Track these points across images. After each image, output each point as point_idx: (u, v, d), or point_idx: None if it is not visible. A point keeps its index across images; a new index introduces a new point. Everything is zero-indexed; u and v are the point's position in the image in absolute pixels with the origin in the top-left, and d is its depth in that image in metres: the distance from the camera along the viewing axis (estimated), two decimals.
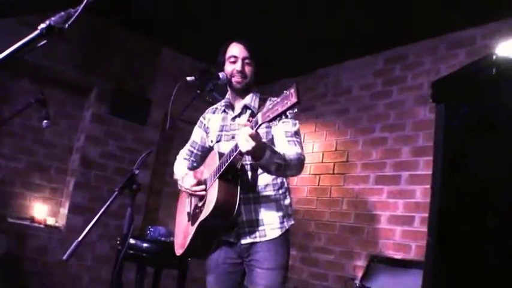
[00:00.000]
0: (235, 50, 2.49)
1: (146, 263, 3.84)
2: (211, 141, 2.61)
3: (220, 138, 2.56)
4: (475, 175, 1.61)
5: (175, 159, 2.84)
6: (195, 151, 2.73)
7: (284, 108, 1.81)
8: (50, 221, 4.61)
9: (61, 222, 4.70)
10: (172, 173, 2.82)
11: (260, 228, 2.36)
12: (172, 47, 5.39)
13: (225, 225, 2.35)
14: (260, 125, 1.97)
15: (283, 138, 2.37)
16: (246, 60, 2.47)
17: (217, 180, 2.24)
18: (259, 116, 1.96)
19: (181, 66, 5.42)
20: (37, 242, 4.45)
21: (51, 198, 4.83)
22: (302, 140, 2.43)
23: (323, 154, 4.98)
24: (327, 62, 5.17)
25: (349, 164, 4.66)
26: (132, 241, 3.64)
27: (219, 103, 2.68)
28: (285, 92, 1.83)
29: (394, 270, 3.59)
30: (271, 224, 2.37)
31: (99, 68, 4.91)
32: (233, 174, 2.28)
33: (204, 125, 2.70)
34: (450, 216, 1.59)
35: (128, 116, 5.15)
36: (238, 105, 2.55)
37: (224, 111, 2.61)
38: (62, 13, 1.48)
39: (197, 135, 2.72)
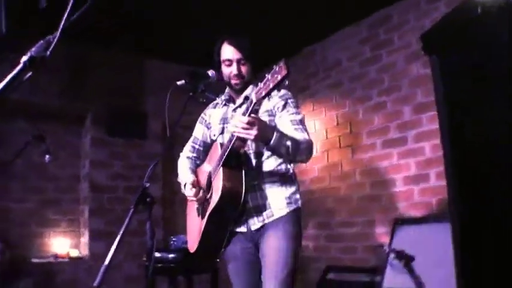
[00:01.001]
0: (229, 53, 2.47)
1: (176, 273, 3.84)
2: (214, 135, 2.61)
3: (222, 131, 2.56)
4: (482, 122, 1.60)
5: None
6: (197, 146, 2.72)
7: (276, 82, 1.81)
8: (73, 253, 4.62)
9: (84, 251, 4.71)
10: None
11: (267, 210, 2.37)
12: (155, 57, 5.36)
13: (234, 212, 2.33)
14: (255, 103, 1.98)
15: (289, 126, 2.37)
16: (241, 62, 2.46)
17: (221, 168, 2.25)
18: (252, 95, 1.98)
19: (167, 74, 5.38)
20: (64, 277, 4.46)
21: (70, 230, 4.84)
22: (306, 126, 2.43)
23: (326, 130, 4.97)
24: (312, 40, 5.15)
25: (354, 134, 4.66)
26: (157, 254, 3.65)
27: (219, 98, 2.68)
28: (274, 67, 1.83)
29: (420, 229, 3.59)
30: (277, 205, 2.38)
31: (89, 92, 4.90)
32: (236, 161, 2.28)
33: (206, 120, 2.70)
34: (466, 168, 1.59)
35: (127, 134, 5.15)
36: (239, 96, 2.55)
37: (225, 104, 2.61)
38: (41, 42, 1.48)
39: (199, 131, 2.72)
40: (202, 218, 2.40)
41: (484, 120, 1.63)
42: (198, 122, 2.75)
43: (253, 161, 2.41)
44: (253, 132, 2.06)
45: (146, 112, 5.25)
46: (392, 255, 3.57)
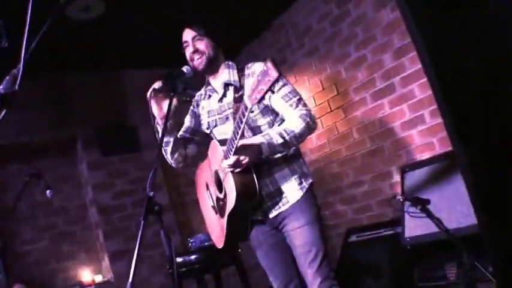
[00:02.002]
0: (184, 35, 2.49)
1: (203, 273, 3.86)
2: (207, 128, 2.61)
3: (215, 123, 2.55)
4: (461, 46, 1.56)
5: (179, 169, 2.81)
6: (187, 135, 2.69)
7: (268, 85, 1.81)
8: (98, 279, 4.63)
9: (108, 275, 4.72)
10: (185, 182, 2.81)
11: (282, 196, 2.38)
12: (130, 67, 5.29)
13: (253, 206, 2.37)
14: (250, 109, 1.97)
15: (283, 104, 2.37)
16: (196, 37, 2.45)
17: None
18: (246, 100, 1.95)
19: (146, 81, 5.32)
20: None
21: (89, 258, 4.84)
22: (300, 95, 2.41)
23: (313, 97, 4.94)
24: (277, 11, 5.08)
25: (341, 94, 4.63)
26: (179, 259, 3.66)
27: (202, 90, 2.66)
28: (263, 67, 1.81)
29: (429, 171, 3.58)
30: (290, 188, 2.39)
31: (74, 119, 4.85)
32: None
33: (195, 112, 2.69)
34: (459, 101, 1.54)
35: (121, 150, 5.11)
36: (217, 84, 2.52)
37: (209, 96, 2.59)
38: (7, 77, 1.46)
39: (188, 120, 2.71)
40: (222, 216, 2.42)
41: (463, 44, 1.58)
42: (187, 115, 2.73)
43: None
44: (245, 162, 2.16)
45: (135, 124, 5.20)
46: (407, 203, 3.56)
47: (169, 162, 2.64)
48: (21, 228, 4.56)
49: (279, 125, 2.39)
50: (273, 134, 2.25)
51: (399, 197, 3.63)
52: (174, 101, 2.36)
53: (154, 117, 2.52)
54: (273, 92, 2.35)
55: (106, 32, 4.28)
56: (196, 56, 2.44)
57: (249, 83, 2.37)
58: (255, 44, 5.55)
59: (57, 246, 4.72)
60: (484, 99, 1.41)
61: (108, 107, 5.09)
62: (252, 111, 2.35)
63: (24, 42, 1.47)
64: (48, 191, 3.70)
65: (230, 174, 2.22)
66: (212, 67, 2.49)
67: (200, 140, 2.70)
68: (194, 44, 2.44)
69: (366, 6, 4.21)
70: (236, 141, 2.09)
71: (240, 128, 2.05)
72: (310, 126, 2.32)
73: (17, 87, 1.42)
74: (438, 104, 1.48)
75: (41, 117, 4.62)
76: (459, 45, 1.51)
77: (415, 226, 3.46)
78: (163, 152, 2.56)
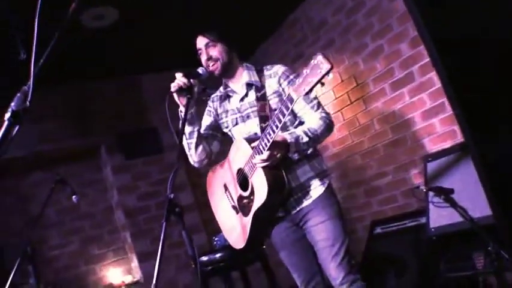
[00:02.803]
0: (198, 42, 2.52)
1: (228, 271, 3.88)
2: (227, 127, 2.63)
3: (236, 122, 2.57)
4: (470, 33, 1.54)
5: (201, 168, 2.80)
6: (209, 131, 2.69)
7: (319, 76, 1.81)
8: (128, 279, 4.71)
9: (137, 275, 4.80)
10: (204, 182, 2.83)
11: (304, 192, 2.41)
12: (147, 71, 5.35)
13: (281, 200, 2.38)
14: (295, 101, 1.97)
15: (305, 105, 2.40)
16: (209, 44, 2.48)
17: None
18: (291, 92, 1.96)
19: (164, 83, 5.38)
20: None
21: (118, 259, 4.93)
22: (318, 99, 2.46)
23: (333, 90, 4.90)
24: (292, 6, 5.06)
25: (360, 86, 4.58)
26: (205, 258, 3.69)
27: (218, 91, 2.69)
28: (311, 62, 1.82)
29: (452, 160, 3.52)
30: (312, 184, 2.42)
31: (95, 125, 4.94)
32: None
33: (212, 112, 2.70)
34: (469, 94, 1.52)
35: (144, 152, 5.18)
36: (238, 85, 2.56)
37: (227, 96, 2.62)
38: (18, 94, 1.49)
39: (207, 121, 2.71)
40: (245, 214, 2.42)
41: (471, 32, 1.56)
42: (205, 114, 2.74)
43: None
44: (278, 157, 2.21)
45: (155, 126, 5.26)
46: (431, 193, 3.51)
47: (192, 161, 2.63)
48: (49, 234, 4.68)
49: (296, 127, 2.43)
50: (299, 132, 2.29)
51: (422, 187, 3.57)
52: (192, 101, 2.38)
53: (171, 121, 2.53)
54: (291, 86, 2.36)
55: (120, 38, 4.33)
56: (211, 63, 2.47)
57: (271, 83, 2.46)
58: (271, 41, 5.54)
59: (86, 249, 4.83)
60: (494, 91, 1.39)
61: (128, 111, 5.16)
62: (272, 109, 2.39)
63: (33, 58, 1.50)
64: (74, 197, 3.76)
65: (260, 170, 2.23)
66: (228, 71, 2.53)
67: (222, 138, 2.72)
68: (208, 51, 2.48)
69: None
70: (274, 135, 2.11)
71: (280, 121, 2.07)
72: (330, 129, 2.38)
73: (28, 103, 1.45)
74: (448, 96, 1.46)
75: (62, 126, 4.73)
76: (467, 38, 1.48)
77: (439, 216, 3.41)
78: (186, 149, 2.55)
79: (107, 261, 4.89)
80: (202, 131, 2.67)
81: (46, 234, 4.68)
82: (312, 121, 2.35)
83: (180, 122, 2.42)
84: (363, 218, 4.74)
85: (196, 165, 2.66)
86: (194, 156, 2.58)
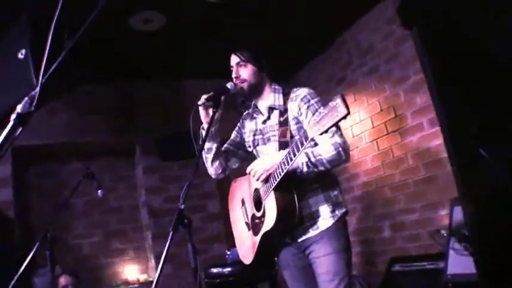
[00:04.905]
0: (231, 59, 2.57)
1: (235, 286, 3.87)
2: (249, 147, 2.67)
3: (257, 143, 2.61)
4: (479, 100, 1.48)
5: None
6: (231, 148, 2.74)
7: (335, 121, 1.79)
8: (143, 278, 4.79)
9: (153, 275, 4.87)
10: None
11: (312, 222, 2.38)
12: (193, 76, 5.44)
13: (290, 228, 2.39)
14: (311, 140, 1.97)
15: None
16: (240, 64, 2.52)
17: (272, 192, 2.27)
18: (308, 130, 1.95)
19: (205, 91, 5.47)
20: None
21: (137, 257, 5.03)
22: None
23: (371, 118, 4.81)
24: (341, 28, 5.02)
25: (399, 118, 4.47)
26: (214, 270, 3.70)
27: (250, 109, 2.71)
28: (330, 103, 1.80)
29: None
30: (321, 216, 2.38)
31: (134, 125, 5.08)
32: (287, 182, 2.28)
33: (240, 129, 2.75)
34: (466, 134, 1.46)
35: (178, 155, 5.25)
36: (263, 107, 2.58)
37: (253, 116, 2.65)
38: (26, 99, 1.56)
39: (235, 134, 2.77)
40: (255, 234, 2.45)
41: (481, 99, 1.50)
42: (234, 131, 2.79)
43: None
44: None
45: (194, 131, 5.32)
46: (452, 239, 3.38)
47: (209, 171, 2.68)
48: (75, 223, 4.84)
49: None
50: (299, 163, 2.26)
51: (443, 232, 3.46)
52: (217, 114, 2.44)
53: (197, 132, 2.60)
54: (313, 115, 2.35)
55: (168, 43, 4.44)
56: (238, 82, 2.51)
57: (292, 107, 2.44)
58: (318, 62, 5.51)
59: (108, 242, 4.96)
60: None
61: (169, 115, 5.26)
62: (293, 136, 2.39)
63: (44, 65, 1.57)
64: (99, 191, 3.87)
65: (273, 195, 2.26)
66: (254, 92, 2.56)
67: (243, 155, 2.75)
68: (237, 70, 2.52)
69: None
70: (286, 168, 2.15)
71: (295, 155, 2.08)
72: (341, 157, 2.29)
73: (33, 108, 1.52)
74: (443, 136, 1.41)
75: (105, 121, 4.89)
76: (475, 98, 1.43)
77: (459, 263, 3.28)
78: (204, 159, 2.62)
79: (126, 257, 4.99)
80: (226, 144, 2.73)
81: (72, 223, 4.84)
82: (322, 146, 2.30)
83: (201, 138, 2.52)
84: (384, 252, 4.60)
85: (213, 176, 2.71)
86: (210, 169, 2.66)
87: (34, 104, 1.54)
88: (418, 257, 3.94)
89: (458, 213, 3.50)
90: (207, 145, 2.56)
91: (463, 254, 3.22)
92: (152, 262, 4.88)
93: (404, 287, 3.82)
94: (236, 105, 2.64)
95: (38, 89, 1.59)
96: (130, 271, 4.87)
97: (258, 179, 2.33)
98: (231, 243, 5.19)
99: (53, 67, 1.58)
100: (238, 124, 2.78)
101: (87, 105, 4.70)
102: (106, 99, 4.93)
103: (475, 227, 1.32)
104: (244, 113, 2.76)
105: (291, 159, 2.11)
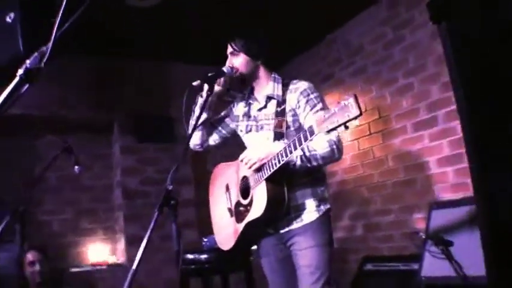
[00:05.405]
0: (227, 48, 2.56)
1: (210, 274, 3.85)
2: (241, 131, 2.65)
3: (250, 129, 2.59)
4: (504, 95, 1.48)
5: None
6: (217, 124, 2.73)
7: (344, 120, 1.80)
8: (112, 260, 4.69)
9: (122, 258, 4.78)
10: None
11: (297, 214, 2.39)
12: (181, 60, 5.34)
13: (274, 220, 2.40)
14: (316, 134, 1.96)
15: None
16: (233, 53, 2.52)
17: (264, 182, 2.27)
18: (314, 126, 1.94)
19: (192, 76, 5.38)
20: (104, 284, 4.52)
21: (106, 238, 4.92)
22: None
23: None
24: (332, 26, 5.02)
25: (383, 119, 4.52)
26: (190, 256, 3.65)
27: (246, 92, 2.69)
28: (342, 102, 1.80)
29: (457, 212, 3.44)
30: (306, 209, 2.40)
31: (115, 101, 4.96)
32: (280, 175, 2.28)
33: (233, 112, 2.72)
34: (487, 135, 1.46)
35: (156, 138, 5.17)
36: (260, 95, 2.57)
37: (249, 101, 2.64)
38: (36, 54, 1.48)
39: (224, 113, 2.76)
40: (238, 221, 2.45)
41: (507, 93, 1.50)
42: (226, 109, 2.78)
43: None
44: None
45: (172, 116, 5.25)
46: (429, 242, 3.43)
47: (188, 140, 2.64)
48: (46, 198, 4.69)
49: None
50: (293, 156, 2.27)
51: (421, 234, 3.51)
52: (210, 98, 2.44)
53: (186, 114, 2.55)
54: (311, 110, 2.37)
55: (159, 22, 4.34)
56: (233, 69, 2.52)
57: (290, 98, 2.44)
58: (305, 57, 5.51)
59: (78, 221, 4.83)
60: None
61: (150, 96, 5.16)
62: (289, 127, 2.40)
63: (58, 20, 1.48)
64: (76, 167, 3.74)
65: (264, 185, 2.26)
66: (248, 81, 2.57)
67: (225, 136, 2.74)
68: (230, 60, 2.53)
69: (422, 34, 4.09)
70: (286, 159, 2.15)
71: (295, 148, 2.08)
72: (335, 154, 2.31)
73: (43, 64, 1.43)
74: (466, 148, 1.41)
75: (84, 96, 4.75)
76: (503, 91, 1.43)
77: (433, 266, 3.34)
78: (189, 127, 2.58)
79: (95, 237, 4.88)
80: (215, 124, 2.73)
81: (43, 198, 4.68)
82: (317, 141, 2.29)
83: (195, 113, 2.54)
84: (357, 250, 4.65)
85: (190, 146, 2.69)
86: (192, 139, 2.63)
87: (44, 60, 1.47)
88: (391, 257, 4.00)
89: (437, 217, 3.57)
90: (197, 112, 2.53)
91: (439, 257, 3.27)
92: (122, 244, 4.78)
93: (375, 286, 3.86)
94: (220, 95, 2.61)
95: (50, 44, 1.51)
96: (99, 252, 4.75)
97: (250, 167, 2.31)
98: (203, 230, 5.15)
99: (69, 22, 1.51)
100: (231, 106, 2.76)
101: (67, 78, 4.55)
102: (88, 73, 4.78)
103: (488, 226, 1.33)
104: (239, 96, 2.74)
105: (291, 152, 2.11)
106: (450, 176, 3.84)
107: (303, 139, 2.03)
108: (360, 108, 1.75)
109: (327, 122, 1.85)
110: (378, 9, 4.54)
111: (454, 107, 3.77)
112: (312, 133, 1.97)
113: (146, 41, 4.70)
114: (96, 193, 5.00)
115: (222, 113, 2.76)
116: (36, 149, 4.72)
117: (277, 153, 2.18)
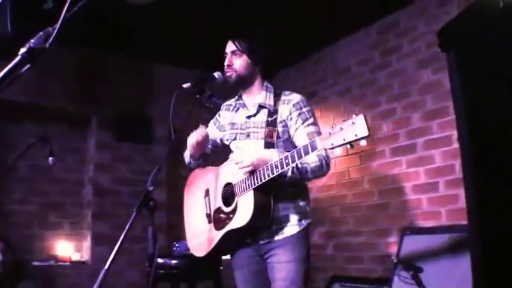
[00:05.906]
0: (227, 46, 2.48)
1: (179, 280, 3.78)
2: (227, 140, 2.58)
3: (235, 137, 2.52)
4: (503, 120, 1.51)
5: (186, 172, 2.85)
6: (209, 150, 2.68)
7: (352, 139, 1.76)
8: (75, 257, 4.57)
9: (86, 256, 4.66)
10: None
11: (279, 227, 2.34)
12: (165, 62, 5.30)
13: (256, 231, 2.34)
14: (319, 150, 1.95)
15: (307, 141, 2.32)
16: (236, 53, 2.44)
17: (251, 191, 2.22)
18: (318, 141, 1.92)
19: (177, 79, 5.26)
20: (66, 281, 4.40)
21: (72, 234, 4.79)
22: None
23: None
24: (321, 44, 5.07)
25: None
26: (160, 260, 3.60)
27: (233, 99, 2.63)
28: (350, 120, 1.77)
29: (428, 239, 3.49)
30: (288, 222, 2.35)
31: (96, 96, 4.87)
32: (267, 186, 2.24)
33: (219, 122, 2.67)
34: (487, 169, 1.49)
35: (133, 138, 5.10)
36: (251, 102, 2.51)
37: (237, 108, 2.57)
38: (41, 33, 1.43)
39: (210, 131, 2.66)
40: (217, 228, 2.38)
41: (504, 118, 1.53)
42: (211, 122, 2.72)
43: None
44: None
45: (152, 116, 5.20)
46: (399, 266, 3.47)
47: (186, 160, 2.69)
48: (15, 187, 4.54)
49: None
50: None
51: (393, 258, 3.54)
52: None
53: (174, 114, 2.49)
54: (302, 124, 2.35)
55: (151, 21, 4.29)
56: (227, 69, 2.44)
57: (283, 110, 2.40)
58: (291, 71, 5.54)
59: (45, 214, 4.69)
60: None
61: (130, 94, 5.09)
62: (279, 138, 2.37)
63: (68, 1, 1.43)
64: (50, 158, 3.66)
65: (251, 194, 2.21)
66: (243, 85, 2.50)
67: (216, 148, 2.70)
68: (231, 58, 2.45)
69: (408, 62, 4.18)
70: (280, 171, 2.11)
71: (293, 161, 2.05)
72: (323, 168, 2.29)
73: (47, 45, 1.38)
74: (463, 170, 1.43)
75: (66, 87, 4.64)
76: (501, 117, 1.46)
77: None
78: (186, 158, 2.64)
79: (61, 232, 4.74)
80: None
81: (12, 187, 4.54)
82: (311, 156, 2.25)
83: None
84: (325, 269, 4.65)
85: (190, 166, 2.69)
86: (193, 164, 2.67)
87: (50, 41, 1.42)
88: (360, 278, 4.02)
89: (408, 243, 3.61)
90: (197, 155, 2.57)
91: (409, 282, 3.31)
92: (88, 242, 4.66)
93: None
94: (201, 101, 2.54)
95: (57, 26, 1.46)
96: (63, 247, 4.62)
97: (242, 168, 2.23)
98: (173, 235, 5.08)
99: (79, 4, 1.47)
100: (217, 115, 2.70)
101: (51, 66, 4.44)
102: (73, 65, 4.69)
103: (482, 238, 1.35)
104: (225, 104, 2.68)
105: (287, 165, 2.07)
106: (424, 203, 3.90)
107: (303, 153, 1.99)
108: (368, 128, 1.71)
109: (332, 138, 1.83)
110: (368, 33, 4.62)
111: (434, 136, 3.86)
112: (314, 148, 1.94)
113: (134, 38, 4.63)
114: (66, 187, 4.87)
115: (213, 128, 2.70)
116: (9, 134, 4.58)
117: (272, 164, 2.13)
